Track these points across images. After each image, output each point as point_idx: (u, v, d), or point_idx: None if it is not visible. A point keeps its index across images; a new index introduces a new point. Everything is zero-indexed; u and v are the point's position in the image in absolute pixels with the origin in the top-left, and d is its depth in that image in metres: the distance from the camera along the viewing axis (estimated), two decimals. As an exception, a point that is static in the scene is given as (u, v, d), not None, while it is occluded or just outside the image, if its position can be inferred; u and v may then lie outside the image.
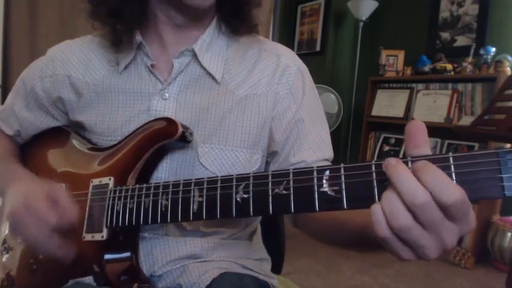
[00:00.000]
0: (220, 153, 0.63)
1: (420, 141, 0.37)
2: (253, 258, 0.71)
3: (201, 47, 0.66)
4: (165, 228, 0.63)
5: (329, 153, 0.69)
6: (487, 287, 2.15)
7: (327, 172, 0.41)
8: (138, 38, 0.66)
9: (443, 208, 0.33)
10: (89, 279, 0.61)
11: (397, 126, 3.18)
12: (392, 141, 3.20)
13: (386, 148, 3.21)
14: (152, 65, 0.66)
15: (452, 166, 0.35)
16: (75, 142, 0.71)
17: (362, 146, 3.35)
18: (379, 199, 0.36)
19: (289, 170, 0.44)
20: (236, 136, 0.64)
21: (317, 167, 0.42)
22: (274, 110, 0.67)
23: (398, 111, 3.10)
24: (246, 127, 0.65)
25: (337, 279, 2.14)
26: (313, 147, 0.67)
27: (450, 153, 0.36)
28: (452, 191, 0.33)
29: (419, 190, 0.34)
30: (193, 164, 0.63)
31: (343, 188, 0.40)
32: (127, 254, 0.60)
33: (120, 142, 0.64)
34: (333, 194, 0.41)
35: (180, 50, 0.65)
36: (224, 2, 0.67)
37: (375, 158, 3.40)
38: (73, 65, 0.70)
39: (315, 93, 0.73)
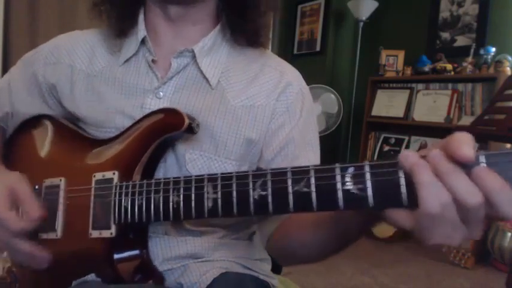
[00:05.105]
0: (208, 162, 0.62)
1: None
2: (253, 258, 0.70)
3: (201, 49, 0.65)
4: (165, 227, 0.63)
5: None
6: (487, 287, 2.16)
7: (351, 169, 0.40)
8: (143, 32, 0.66)
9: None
10: (91, 276, 0.60)
11: (397, 126, 3.18)
12: (393, 141, 3.20)
13: (387, 148, 3.21)
14: (153, 61, 0.65)
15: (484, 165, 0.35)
16: (72, 133, 0.68)
17: (362, 146, 3.35)
18: (408, 197, 0.37)
19: (308, 167, 0.43)
20: (228, 147, 0.63)
21: (339, 164, 0.41)
22: (269, 125, 0.65)
23: (398, 111, 3.10)
24: (239, 139, 0.63)
25: (337, 279, 2.14)
26: None
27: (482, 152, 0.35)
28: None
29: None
30: (181, 169, 0.61)
31: (368, 186, 0.39)
32: (139, 250, 0.59)
33: (121, 134, 0.62)
34: (357, 192, 0.40)
35: (180, 50, 0.64)
36: (229, 5, 0.67)
37: (375, 158, 3.39)
38: (78, 56, 0.70)
39: (313, 118, 0.71)
